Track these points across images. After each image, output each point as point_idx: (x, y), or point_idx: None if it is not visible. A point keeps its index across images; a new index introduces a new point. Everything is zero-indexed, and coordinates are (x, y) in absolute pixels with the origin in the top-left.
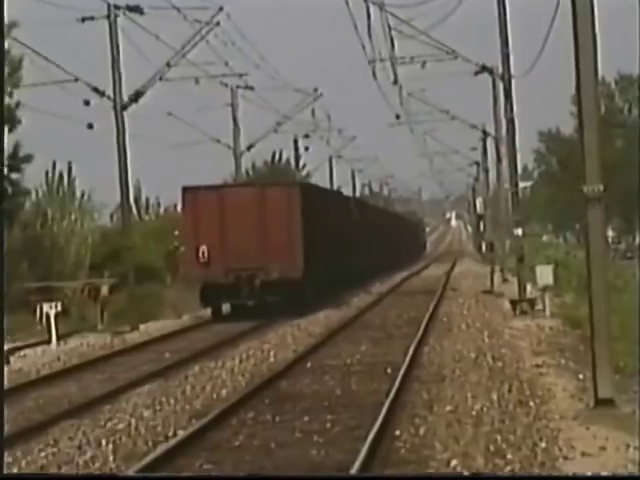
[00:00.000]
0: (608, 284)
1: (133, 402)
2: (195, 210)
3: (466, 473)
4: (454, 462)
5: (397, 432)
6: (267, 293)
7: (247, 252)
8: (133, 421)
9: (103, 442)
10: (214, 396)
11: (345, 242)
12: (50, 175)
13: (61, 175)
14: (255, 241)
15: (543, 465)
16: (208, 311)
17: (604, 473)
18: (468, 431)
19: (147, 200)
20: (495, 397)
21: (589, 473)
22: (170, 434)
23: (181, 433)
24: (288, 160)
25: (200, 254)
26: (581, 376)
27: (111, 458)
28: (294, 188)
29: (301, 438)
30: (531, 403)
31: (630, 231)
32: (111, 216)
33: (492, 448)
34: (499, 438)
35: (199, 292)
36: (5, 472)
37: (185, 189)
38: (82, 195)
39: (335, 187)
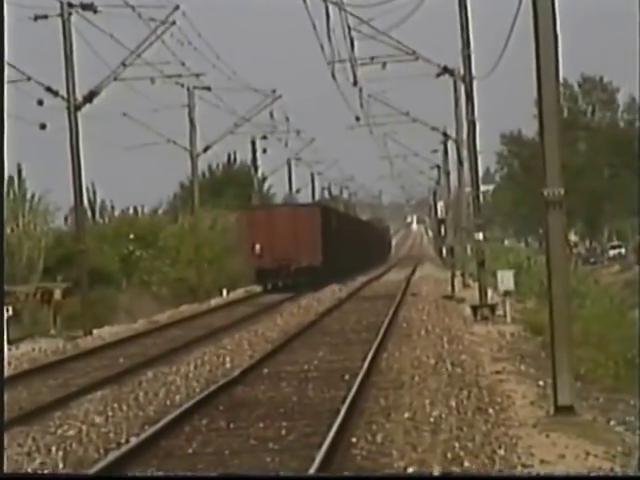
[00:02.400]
0: (569, 289)
1: (85, 408)
2: (253, 221)
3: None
4: (411, 469)
5: (354, 439)
6: (298, 275)
7: (286, 248)
8: (84, 428)
9: (53, 449)
10: (167, 402)
11: (343, 243)
12: None
13: (11, 177)
14: (291, 241)
15: (501, 473)
16: (164, 315)
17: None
18: (426, 438)
19: (102, 202)
20: (454, 404)
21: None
22: (122, 441)
23: (133, 440)
24: (244, 162)
25: (256, 250)
26: (541, 383)
27: (61, 465)
28: (316, 207)
29: (256, 445)
30: (490, 410)
31: (593, 235)
32: (65, 219)
33: (450, 455)
34: (457, 445)
35: (255, 274)
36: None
37: (246, 207)
38: (32, 197)
39: (294, 190)
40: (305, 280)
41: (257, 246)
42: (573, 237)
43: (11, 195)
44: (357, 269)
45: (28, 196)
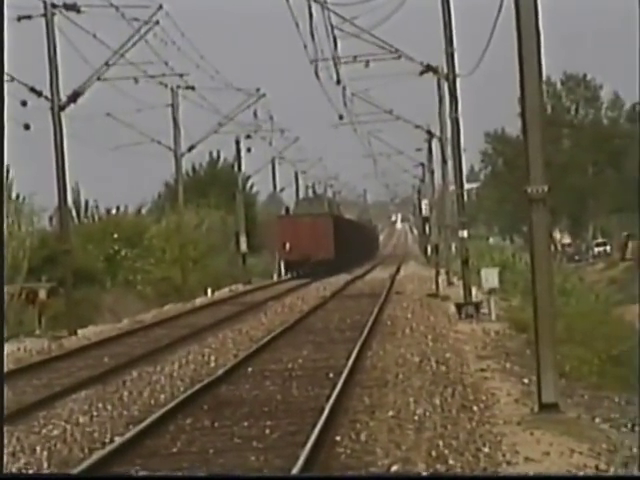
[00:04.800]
0: (553, 287)
1: (69, 408)
2: (283, 226)
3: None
4: (395, 468)
5: (338, 438)
6: (317, 266)
7: (307, 246)
8: (69, 427)
9: (38, 449)
10: (152, 402)
11: (347, 241)
12: None
13: None
14: (311, 240)
15: (485, 471)
16: (149, 315)
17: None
18: (410, 436)
19: (86, 203)
20: (438, 402)
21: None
22: (106, 440)
23: (117, 439)
24: (226, 159)
25: (286, 247)
26: (526, 380)
27: (45, 465)
28: (330, 217)
29: (240, 444)
30: (474, 408)
31: (578, 232)
32: (50, 219)
33: (434, 454)
34: (441, 443)
35: (284, 265)
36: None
37: (279, 216)
38: (17, 198)
39: (278, 189)
40: (322, 269)
41: (287, 244)
42: (558, 235)
43: None
44: (357, 261)
45: (13, 197)
